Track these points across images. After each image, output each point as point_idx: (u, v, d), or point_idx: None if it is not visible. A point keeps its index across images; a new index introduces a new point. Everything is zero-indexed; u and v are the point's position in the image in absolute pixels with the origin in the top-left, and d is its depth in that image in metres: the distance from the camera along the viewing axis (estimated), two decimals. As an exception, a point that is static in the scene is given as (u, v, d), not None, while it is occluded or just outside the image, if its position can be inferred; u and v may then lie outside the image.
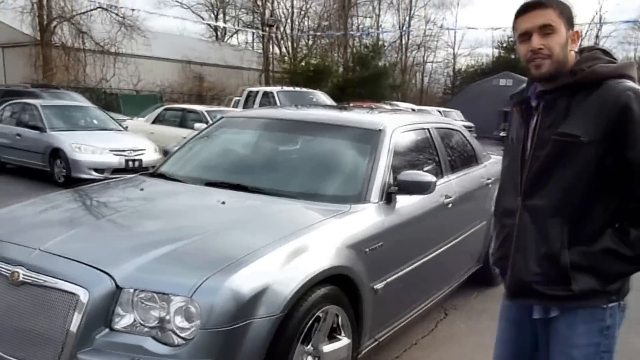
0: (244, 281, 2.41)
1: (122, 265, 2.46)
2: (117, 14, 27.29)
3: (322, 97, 17.64)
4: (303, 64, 34.81)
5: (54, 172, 10.25)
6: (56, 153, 10.18)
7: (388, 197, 3.46)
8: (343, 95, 28.56)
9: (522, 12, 1.92)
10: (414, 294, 3.79)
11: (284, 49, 40.09)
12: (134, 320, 2.38)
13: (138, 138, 11.04)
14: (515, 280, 2.01)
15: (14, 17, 26.41)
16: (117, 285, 2.39)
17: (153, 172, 4.07)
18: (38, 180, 10.51)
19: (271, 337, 2.43)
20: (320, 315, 2.77)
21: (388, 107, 16.11)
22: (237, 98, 19.30)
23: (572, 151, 1.87)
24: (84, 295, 2.37)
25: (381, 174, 3.49)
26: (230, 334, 2.33)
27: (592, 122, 1.84)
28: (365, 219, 3.22)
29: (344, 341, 2.97)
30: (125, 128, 12.38)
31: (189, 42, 36.10)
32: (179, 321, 2.34)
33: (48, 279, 2.46)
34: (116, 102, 23.58)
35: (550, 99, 1.93)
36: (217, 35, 46.18)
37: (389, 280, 3.31)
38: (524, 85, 2.11)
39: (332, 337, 2.95)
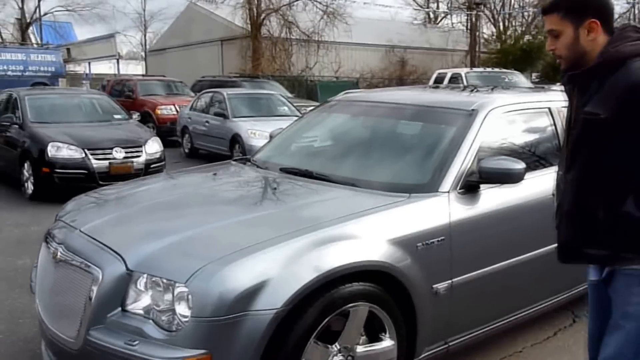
0: (243, 272, 2.32)
1: (137, 249, 2.52)
2: (320, 3, 28.38)
3: (519, 78, 16.53)
4: (514, 42, 32.82)
5: (233, 157, 11.01)
6: (235, 139, 10.93)
7: (469, 188, 3.07)
8: (557, 75, 26.35)
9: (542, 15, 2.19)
10: (504, 300, 3.30)
11: (494, 29, 38.11)
12: (145, 304, 2.42)
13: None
14: (562, 244, 2.21)
15: (229, 13, 28.88)
16: (128, 268, 2.45)
17: (245, 158, 4.12)
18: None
19: (271, 331, 2.31)
20: (352, 313, 2.57)
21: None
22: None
23: (595, 127, 2.01)
24: (98, 276, 2.47)
25: (460, 161, 3.10)
26: (224, 326, 2.27)
27: (611, 99, 1.96)
28: (424, 210, 2.90)
29: (385, 343, 2.72)
30: (303, 114, 12.84)
31: (393, 26, 36.10)
32: (181, 308, 2.33)
33: (76, 258, 2.62)
34: (315, 90, 24.57)
35: (584, 81, 2.07)
36: (429, 18, 45.34)
37: (456, 280, 2.94)
38: None
39: (378, 338, 2.73)
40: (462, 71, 17.00)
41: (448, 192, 3.00)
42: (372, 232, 2.67)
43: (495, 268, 3.12)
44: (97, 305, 2.44)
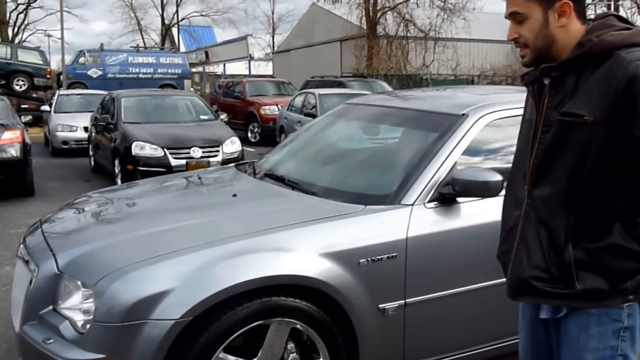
0: (145, 280, 2.34)
1: (69, 251, 2.63)
2: (439, -1, 27.75)
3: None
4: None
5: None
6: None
7: (445, 200, 2.85)
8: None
9: None
10: (478, 327, 2.99)
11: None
12: (68, 304, 2.51)
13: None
14: (516, 277, 1.83)
15: (345, 12, 29.01)
16: (58, 269, 2.56)
17: (252, 161, 4.13)
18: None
19: (170, 341, 2.30)
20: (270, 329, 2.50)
21: None
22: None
23: (577, 133, 1.68)
24: (34, 273, 2.60)
25: (432, 171, 2.87)
26: (122, 331, 2.30)
27: (596, 98, 1.65)
28: (374, 224, 2.72)
29: (316, 362, 2.61)
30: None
31: (519, 21, 34.34)
32: (90, 311, 2.39)
33: (26, 255, 2.79)
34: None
35: (558, 76, 1.74)
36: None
37: (411, 301, 2.74)
38: None
39: (312, 357, 2.64)
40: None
41: (412, 204, 2.79)
42: (302, 245, 2.55)
43: (467, 290, 2.85)
44: (31, 301, 2.57)
